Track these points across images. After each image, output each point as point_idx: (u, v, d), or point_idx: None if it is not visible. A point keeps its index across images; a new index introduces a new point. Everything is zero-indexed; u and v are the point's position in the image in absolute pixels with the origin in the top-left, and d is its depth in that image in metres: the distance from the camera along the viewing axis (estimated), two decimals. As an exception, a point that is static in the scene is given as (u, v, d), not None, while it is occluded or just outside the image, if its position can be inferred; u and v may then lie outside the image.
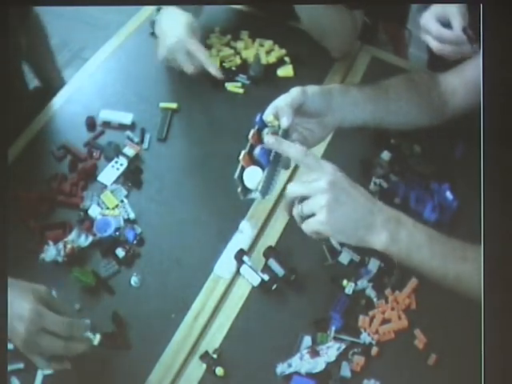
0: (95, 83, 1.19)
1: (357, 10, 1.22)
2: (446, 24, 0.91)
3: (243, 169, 0.80)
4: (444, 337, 0.86)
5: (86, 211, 0.98)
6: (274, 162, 0.80)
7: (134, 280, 0.91)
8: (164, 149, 1.09)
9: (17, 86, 1.07)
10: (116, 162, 1.04)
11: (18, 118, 1.00)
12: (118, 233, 0.95)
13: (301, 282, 0.91)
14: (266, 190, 0.79)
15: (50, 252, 0.91)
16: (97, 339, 0.79)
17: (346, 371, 0.83)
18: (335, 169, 0.78)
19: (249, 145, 0.80)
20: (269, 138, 0.79)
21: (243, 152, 0.79)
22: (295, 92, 0.85)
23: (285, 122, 0.81)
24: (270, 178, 0.80)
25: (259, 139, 0.81)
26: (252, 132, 0.81)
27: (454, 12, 0.90)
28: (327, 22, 1.19)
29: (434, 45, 0.93)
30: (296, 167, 1.06)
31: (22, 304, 0.75)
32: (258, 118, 0.82)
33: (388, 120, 0.97)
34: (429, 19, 0.92)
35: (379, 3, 1.32)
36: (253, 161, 0.79)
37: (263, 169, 0.79)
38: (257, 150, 0.79)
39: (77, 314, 0.86)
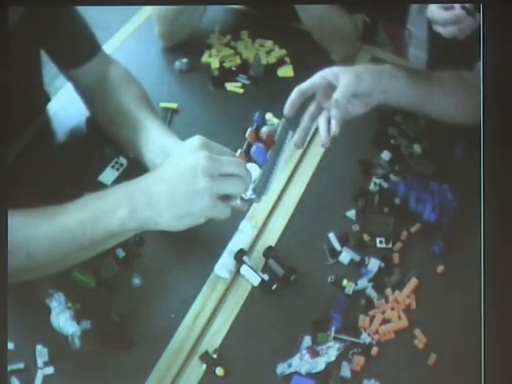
0: (95, 83, 1.19)
1: (357, 13, 1.23)
2: (450, 8, 0.93)
3: None
4: (444, 337, 0.86)
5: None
6: (270, 161, 0.79)
7: (134, 280, 0.91)
8: (164, 149, 1.08)
9: (29, 83, 1.08)
10: (116, 162, 1.04)
11: (19, 118, 1.01)
12: (118, 233, 0.95)
13: (301, 282, 0.91)
14: (261, 189, 0.77)
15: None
16: None
17: (345, 371, 0.83)
18: None
19: (246, 143, 0.79)
20: None
21: (239, 150, 0.78)
22: (352, 83, 0.87)
23: (337, 115, 0.85)
24: (267, 177, 0.78)
25: (257, 137, 0.80)
26: (249, 130, 0.80)
27: None
28: (328, 24, 1.20)
29: (443, 30, 0.94)
30: (295, 170, 1.06)
31: (190, 161, 0.69)
32: (256, 116, 0.81)
33: (428, 108, 1.00)
34: (433, 9, 0.94)
35: (379, 4, 1.32)
36: (249, 159, 0.78)
37: (260, 167, 0.78)
38: (253, 148, 0.78)
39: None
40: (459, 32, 0.94)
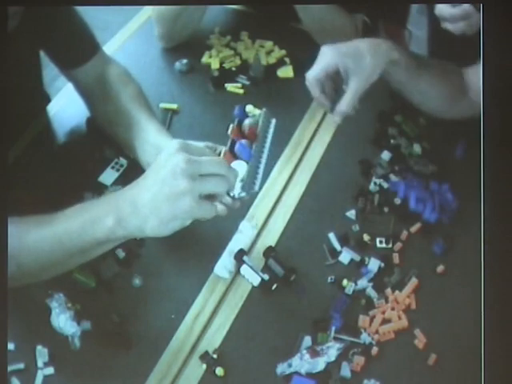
0: (95, 84, 1.19)
1: (357, 13, 1.23)
2: (458, 5, 0.94)
3: None
4: (444, 337, 0.86)
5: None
6: (256, 156, 0.78)
7: (134, 281, 0.91)
8: (164, 149, 1.08)
9: (29, 84, 1.08)
10: (116, 163, 1.04)
11: (20, 118, 1.01)
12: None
13: (301, 282, 0.91)
14: (250, 185, 0.76)
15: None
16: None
17: (346, 371, 0.83)
18: None
19: (229, 140, 0.77)
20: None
21: (224, 149, 0.76)
22: (361, 88, 0.95)
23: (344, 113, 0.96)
24: (254, 173, 0.77)
25: (240, 132, 0.79)
26: (231, 126, 0.78)
27: None
28: (328, 24, 1.20)
29: (452, 27, 0.95)
30: (295, 170, 1.06)
31: (169, 165, 0.69)
32: (237, 110, 0.80)
33: (413, 97, 1.06)
34: (441, 6, 0.95)
35: (379, 4, 1.32)
36: (234, 157, 0.76)
37: (247, 163, 0.76)
38: (236, 146, 0.76)
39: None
40: (468, 28, 0.94)
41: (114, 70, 1.05)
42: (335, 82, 0.98)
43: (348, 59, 0.95)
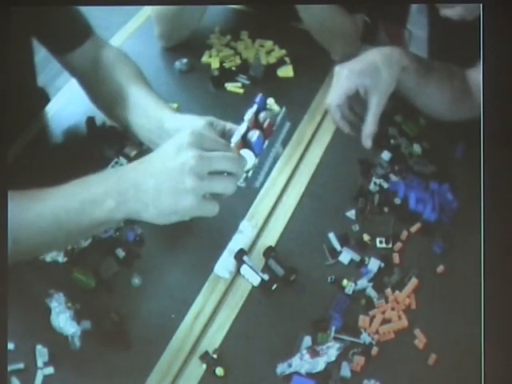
0: (95, 83, 1.19)
1: (357, 13, 1.23)
2: None
3: None
4: (444, 337, 0.86)
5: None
6: (266, 152, 0.78)
7: (134, 280, 0.90)
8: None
9: (25, 82, 1.07)
10: (116, 163, 1.04)
11: (19, 118, 1.00)
12: (117, 233, 0.95)
13: (301, 282, 0.91)
14: (253, 180, 0.76)
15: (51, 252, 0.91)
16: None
17: (345, 371, 0.83)
18: None
19: (246, 126, 0.76)
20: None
21: (236, 136, 0.76)
22: (382, 105, 0.94)
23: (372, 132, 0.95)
24: (259, 168, 0.77)
25: (256, 123, 0.78)
26: (250, 113, 0.77)
27: None
28: (329, 24, 1.20)
29: (450, 12, 0.95)
30: (295, 170, 1.06)
31: (179, 160, 0.69)
32: (258, 99, 0.79)
33: (419, 101, 1.05)
34: None
35: (379, 4, 1.32)
36: (245, 145, 0.76)
37: (256, 156, 0.76)
38: (254, 137, 0.75)
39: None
40: (467, 12, 0.93)
41: (110, 53, 1.03)
42: (353, 102, 0.97)
43: (365, 78, 0.93)
